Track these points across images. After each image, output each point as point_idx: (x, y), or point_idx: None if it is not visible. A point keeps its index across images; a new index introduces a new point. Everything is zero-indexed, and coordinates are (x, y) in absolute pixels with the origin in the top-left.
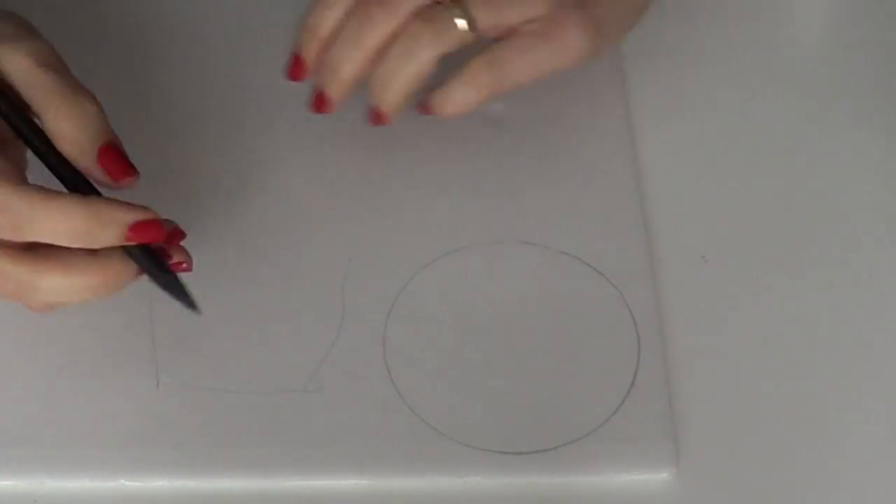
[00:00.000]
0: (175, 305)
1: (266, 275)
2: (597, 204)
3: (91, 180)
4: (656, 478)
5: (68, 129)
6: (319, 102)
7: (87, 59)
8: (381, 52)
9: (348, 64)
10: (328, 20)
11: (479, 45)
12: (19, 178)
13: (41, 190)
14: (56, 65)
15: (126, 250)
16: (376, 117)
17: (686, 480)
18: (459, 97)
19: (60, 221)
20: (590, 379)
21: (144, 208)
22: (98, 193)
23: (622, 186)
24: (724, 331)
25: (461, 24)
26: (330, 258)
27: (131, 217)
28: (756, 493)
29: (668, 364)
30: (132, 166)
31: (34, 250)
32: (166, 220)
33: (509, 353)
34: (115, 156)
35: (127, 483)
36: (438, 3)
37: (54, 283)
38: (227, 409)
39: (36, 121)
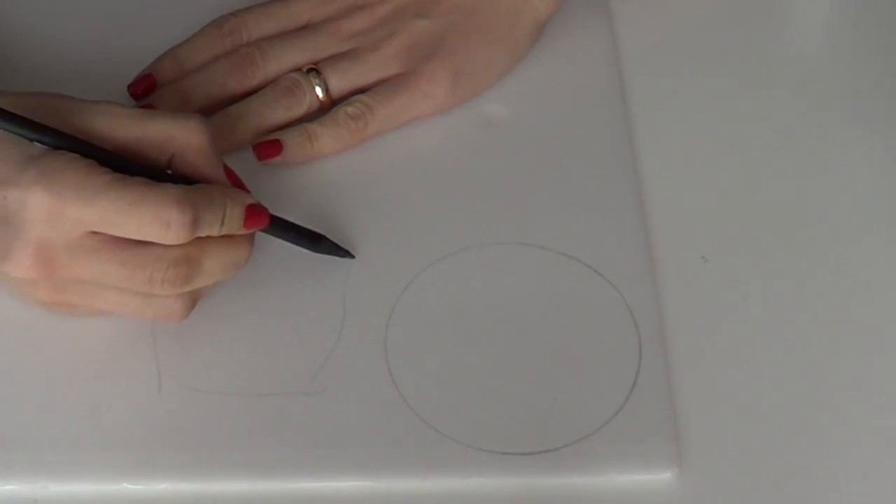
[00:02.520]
0: None
1: (267, 277)
2: (597, 204)
3: None
4: (659, 478)
5: (201, 142)
6: None
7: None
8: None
9: (202, 97)
10: (196, 58)
11: None
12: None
13: (190, 186)
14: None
15: (272, 234)
16: None
17: (689, 480)
18: (321, 146)
19: (219, 208)
20: (591, 380)
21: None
22: None
23: (622, 186)
24: (724, 331)
25: (317, 91)
26: (331, 260)
27: (249, 199)
28: (758, 493)
29: (669, 364)
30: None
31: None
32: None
33: (511, 355)
34: (234, 172)
35: (129, 486)
36: (298, 69)
37: (213, 261)
38: (229, 411)
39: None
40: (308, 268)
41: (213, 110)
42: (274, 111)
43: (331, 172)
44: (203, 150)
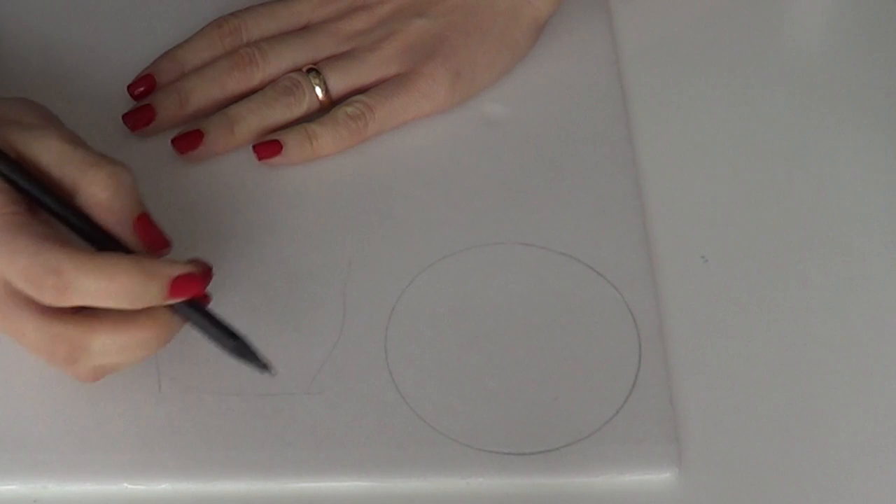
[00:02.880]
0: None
1: (267, 277)
2: (597, 204)
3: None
4: (659, 478)
5: (106, 196)
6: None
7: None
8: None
9: (202, 97)
10: (196, 58)
11: None
12: (63, 241)
13: (86, 250)
14: (84, 144)
15: (183, 316)
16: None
17: (689, 480)
18: (321, 146)
19: (105, 279)
20: (591, 380)
21: (183, 263)
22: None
23: (622, 186)
24: (724, 331)
25: (317, 91)
26: (331, 260)
27: (174, 270)
28: (758, 493)
29: (669, 364)
30: (166, 237)
31: (82, 312)
32: (198, 262)
33: (511, 355)
34: (151, 226)
35: (129, 486)
36: (298, 69)
37: (106, 341)
38: (229, 411)
39: (66, 200)
40: (308, 268)
41: (212, 110)
42: (274, 111)
43: (331, 172)
44: (106, 206)
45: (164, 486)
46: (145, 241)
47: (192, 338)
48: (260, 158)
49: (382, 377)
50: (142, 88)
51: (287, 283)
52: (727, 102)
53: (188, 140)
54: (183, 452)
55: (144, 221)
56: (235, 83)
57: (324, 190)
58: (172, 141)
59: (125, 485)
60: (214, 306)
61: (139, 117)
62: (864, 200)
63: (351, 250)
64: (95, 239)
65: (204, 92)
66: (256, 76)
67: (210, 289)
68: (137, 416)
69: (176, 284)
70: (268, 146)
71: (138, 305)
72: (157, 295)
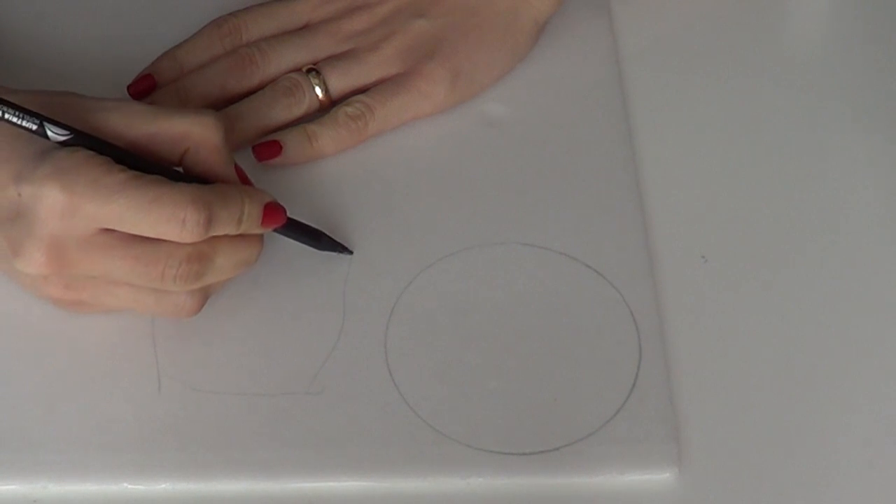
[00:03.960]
0: None
1: (268, 277)
2: (597, 204)
3: None
4: (658, 478)
5: (219, 138)
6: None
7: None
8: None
9: (202, 97)
10: (196, 58)
11: None
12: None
13: (205, 185)
14: None
15: (281, 233)
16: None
17: (688, 480)
18: (321, 147)
19: (234, 208)
20: (591, 380)
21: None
22: None
23: (622, 186)
24: (724, 331)
25: (317, 91)
26: (331, 260)
27: (267, 197)
28: (758, 493)
29: (669, 364)
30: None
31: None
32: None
33: (511, 355)
34: (244, 171)
35: (129, 486)
36: (297, 69)
37: (226, 257)
38: (229, 411)
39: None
40: (308, 267)
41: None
42: (273, 111)
43: (331, 173)
44: (216, 147)
45: (164, 486)
46: (245, 181)
47: (193, 338)
48: (260, 159)
49: (382, 377)
50: (142, 88)
51: (287, 282)
52: (727, 102)
53: None
54: (183, 452)
55: (240, 168)
56: (235, 83)
57: (324, 190)
58: None
59: (125, 485)
60: (215, 306)
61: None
62: (864, 200)
63: (351, 249)
64: None
65: (204, 92)
66: (256, 76)
67: (222, 285)
68: (137, 416)
69: (268, 210)
70: (268, 146)
71: (241, 230)
72: (257, 219)
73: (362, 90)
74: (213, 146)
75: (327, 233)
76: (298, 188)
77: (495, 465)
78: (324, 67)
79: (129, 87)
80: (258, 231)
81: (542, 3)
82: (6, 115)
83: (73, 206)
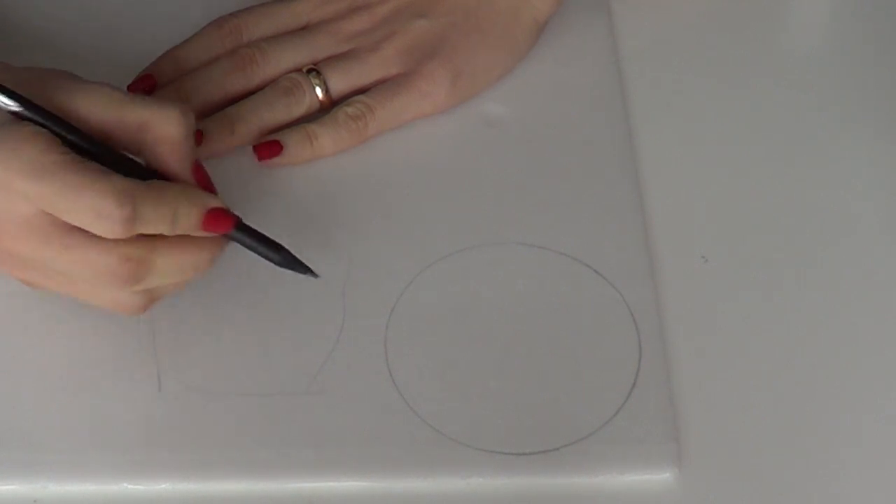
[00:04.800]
0: (179, 307)
1: (267, 277)
2: (597, 204)
3: None
4: (658, 478)
5: (179, 133)
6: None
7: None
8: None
9: (202, 97)
10: (196, 58)
11: None
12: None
13: (143, 181)
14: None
15: (234, 239)
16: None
17: (688, 481)
18: (321, 147)
19: (167, 207)
20: (591, 380)
21: (217, 197)
22: None
23: (622, 186)
24: (724, 331)
25: (317, 92)
26: (331, 260)
27: (215, 202)
28: (758, 493)
29: (669, 364)
30: (213, 185)
31: (145, 236)
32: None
33: (511, 355)
34: (204, 170)
35: (129, 486)
36: (298, 70)
37: (168, 260)
38: (229, 411)
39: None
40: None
41: (212, 111)
42: (274, 111)
43: (331, 172)
44: (174, 143)
45: (164, 486)
46: (202, 183)
47: (192, 338)
48: (260, 159)
49: (382, 377)
50: (142, 88)
51: (287, 282)
52: (727, 102)
53: None
54: (183, 452)
55: (200, 165)
56: (235, 83)
57: (324, 190)
58: None
59: (125, 485)
60: (214, 304)
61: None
62: (864, 200)
63: (351, 250)
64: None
65: (204, 92)
66: (257, 76)
67: (211, 289)
68: (137, 416)
69: (212, 216)
70: (268, 146)
71: (178, 231)
72: (195, 222)
73: (363, 90)
74: (170, 141)
75: (292, 251)
76: (298, 188)
77: (495, 465)
78: (324, 67)
79: (129, 87)
80: (198, 234)
81: (543, 2)
82: None
83: (7, 180)
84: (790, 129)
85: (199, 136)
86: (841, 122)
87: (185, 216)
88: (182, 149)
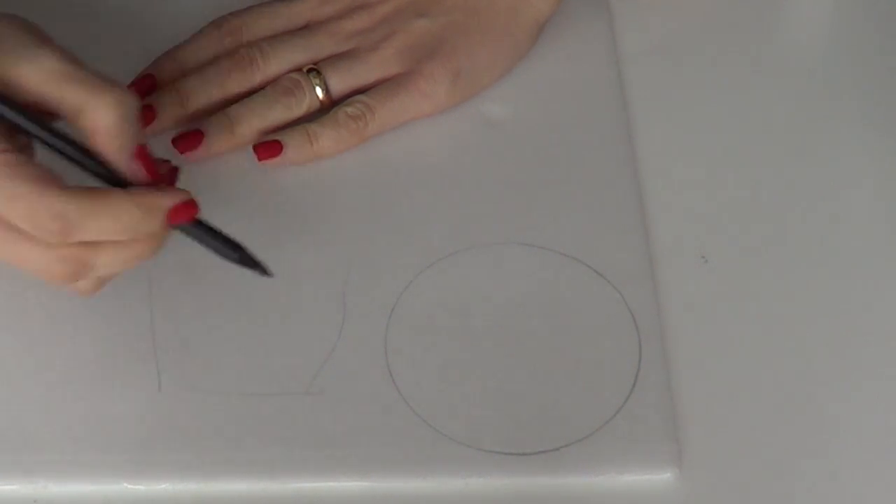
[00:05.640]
0: (178, 307)
1: (267, 277)
2: (597, 204)
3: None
4: (659, 478)
5: (114, 121)
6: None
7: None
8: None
9: (202, 97)
10: (196, 58)
11: None
12: (59, 182)
13: (85, 191)
14: (84, 64)
15: (188, 234)
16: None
17: (689, 480)
18: (321, 147)
19: (108, 220)
20: (591, 380)
21: (178, 191)
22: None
23: (622, 186)
24: (724, 331)
25: (317, 91)
26: (331, 260)
27: (170, 202)
28: (758, 493)
29: (669, 364)
30: (158, 171)
31: None
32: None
33: (511, 355)
34: (150, 156)
35: (129, 486)
36: (298, 69)
37: (110, 258)
38: (229, 411)
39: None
40: (308, 268)
41: (213, 111)
42: (274, 111)
43: (331, 172)
44: (109, 131)
45: (164, 486)
46: (147, 170)
47: (193, 338)
48: (260, 159)
49: (382, 377)
50: (142, 88)
51: (287, 283)
52: (727, 102)
53: (188, 140)
54: (183, 452)
55: (144, 151)
56: (236, 83)
57: (324, 190)
58: (172, 141)
59: (125, 485)
60: (214, 304)
61: (139, 117)
62: (864, 200)
63: (351, 250)
64: (86, 166)
65: (204, 92)
66: (257, 76)
67: (211, 288)
68: (137, 416)
69: (173, 213)
70: (268, 146)
71: (140, 237)
72: (158, 227)
73: (363, 90)
74: (104, 130)
75: (248, 249)
76: (298, 188)
77: (495, 465)
78: (324, 67)
79: (129, 87)
80: (155, 231)
81: (543, 2)
82: None
83: None
84: (790, 128)
85: (150, 114)
86: (841, 122)
87: (145, 224)
88: (117, 139)
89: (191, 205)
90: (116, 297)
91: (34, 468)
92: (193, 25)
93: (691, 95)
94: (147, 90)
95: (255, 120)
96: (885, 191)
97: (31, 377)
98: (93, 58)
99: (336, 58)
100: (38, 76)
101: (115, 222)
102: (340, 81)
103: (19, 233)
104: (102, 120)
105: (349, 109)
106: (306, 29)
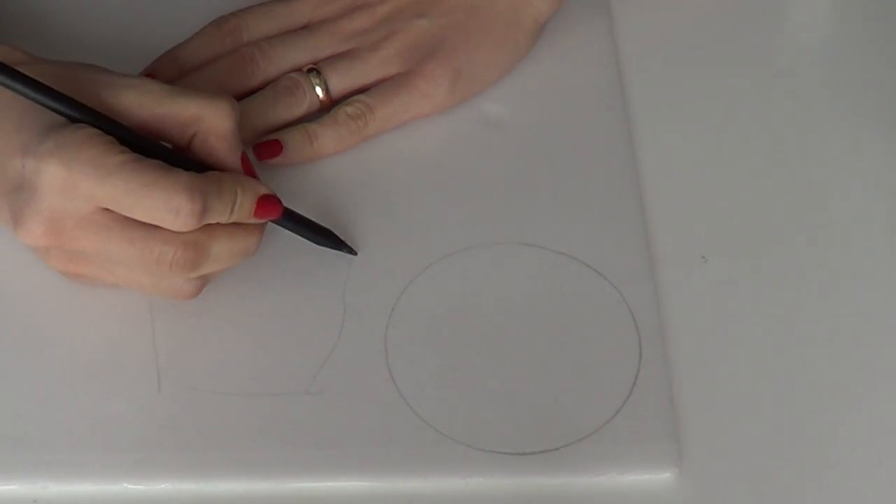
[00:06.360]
0: (178, 307)
1: (267, 276)
2: (597, 204)
3: None
4: (659, 478)
5: (230, 127)
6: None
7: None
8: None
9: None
10: (196, 58)
11: None
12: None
13: (202, 174)
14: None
15: (282, 226)
16: None
17: (688, 480)
18: (321, 146)
19: (229, 199)
20: (591, 379)
21: (266, 185)
22: None
23: (622, 186)
24: (724, 331)
25: (317, 91)
26: (331, 260)
27: (261, 188)
28: (758, 493)
29: (669, 364)
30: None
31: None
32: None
33: (511, 355)
34: (249, 160)
35: (129, 486)
36: (298, 69)
37: (223, 247)
38: (229, 411)
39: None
40: (308, 267)
41: None
42: (274, 111)
43: (331, 172)
44: (225, 135)
45: (163, 486)
46: (248, 171)
47: (193, 338)
48: (260, 159)
49: (382, 377)
50: None
51: (287, 282)
52: (727, 102)
53: None
54: (183, 452)
55: (246, 156)
56: (236, 83)
57: (324, 190)
58: None
59: (125, 485)
60: (214, 305)
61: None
62: (864, 200)
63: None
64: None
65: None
66: (257, 76)
67: (212, 289)
68: (137, 416)
69: (261, 204)
70: (268, 146)
71: (233, 219)
72: (248, 210)
73: (363, 90)
74: (221, 133)
75: (334, 231)
76: (299, 188)
77: (495, 465)
78: (324, 67)
79: None
80: (251, 221)
81: (543, 2)
82: (19, 87)
83: (71, 182)
84: (790, 128)
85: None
86: (841, 122)
87: (241, 204)
88: (232, 140)
89: (275, 201)
90: (117, 297)
91: (35, 468)
92: (193, 25)
93: (691, 95)
94: None
95: (255, 119)
96: (885, 191)
97: (32, 377)
98: (93, 58)
99: (336, 58)
100: (145, 98)
101: (230, 200)
102: (340, 81)
103: (142, 226)
104: (222, 124)
105: (349, 109)
106: (306, 29)
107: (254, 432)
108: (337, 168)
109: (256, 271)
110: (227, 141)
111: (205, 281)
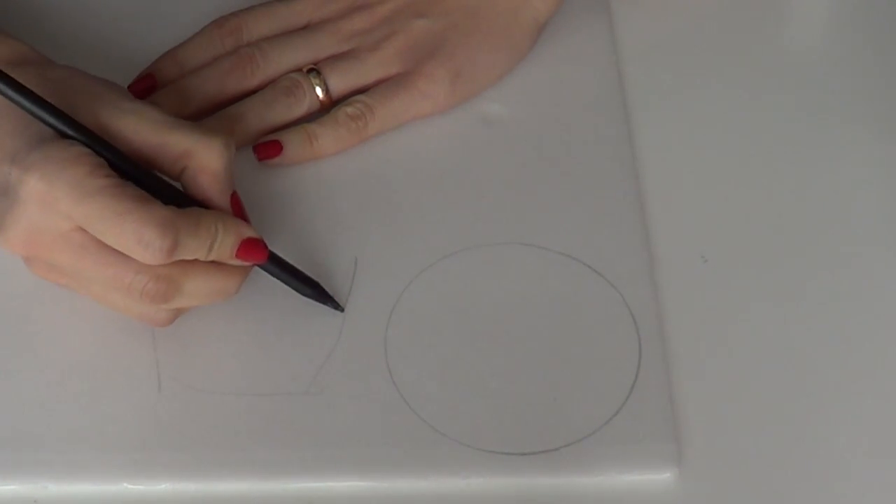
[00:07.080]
0: None
1: (267, 277)
2: (597, 204)
3: None
4: (658, 478)
5: (221, 165)
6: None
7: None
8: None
9: (202, 97)
10: (197, 58)
11: None
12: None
13: (182, 209)
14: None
15: (266, 271)
16: None
17: (688, 480)
18: (321, 146)
19: (207, 237)
20: (591, 380)
21: (252, 228)
22: None
23: (622, 187)
24: (724, 331)
25: (317, 91)
26: (331, 261)
27: (245, 230)
28: (758, 493)
29: (669, 364)
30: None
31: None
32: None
33: (511, 355)
34: (240, 201)
35: (129, 486)
36: (298, 69)
37: (198, 284)
38: (229, 411)
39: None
40: (309, 268)
41: (212, 110)
42: (274, 111)
43: (331, 173)
44: (215, 173)
45: (163, 486)
46: (237, 213)
47: (193, 338)
48: (260, 159)
49: (382, 377)
50: (142, 88)
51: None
52: (727, 102)
53: None
54: (183, 452)
55: (236, 195)
56: (236, 83)
57: (324, 190)
58: None
59: (125, 485)
60: (215, 305)
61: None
62: (864, 200)
63: (351, 250)
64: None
65: (204, 92)
66: (257, 76)
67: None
68: (137, 416)
69: (244, 247)
70: (268, 146)
71: (211, 258)
72: (229, 251)
73: (363, 90)
74: (210, 171)
75: (321, 283)
76: (299, 188)
77: (495, 465)
78: (324, 67)
79: (129, 87)
80: (231, 262)
81: (543, 3)
82: (13, 95)
83: (51, 198)
84: (790, 128)
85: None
86: (841, 122)
87: (221, 244)
88: (222, 179)
89: (260, 245)
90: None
91: (35, 468)
92: (193, 25)
93: (691, 95)
94: (147, 90)
95: (255, 120)
96: (885, 190)
97: (32, 377)
98: (94, 58)
99: (336, 58)
100: (142, 125)
101: (207, 239)
102: (340, 81)
103: (117, 252)
104: (212, 162)
105: (349, 109)
106: (306, 29)
107: (254, 432)
108: (337, 168)
109: (257, 271)
110: (216, 179)
111: (178, 312)
